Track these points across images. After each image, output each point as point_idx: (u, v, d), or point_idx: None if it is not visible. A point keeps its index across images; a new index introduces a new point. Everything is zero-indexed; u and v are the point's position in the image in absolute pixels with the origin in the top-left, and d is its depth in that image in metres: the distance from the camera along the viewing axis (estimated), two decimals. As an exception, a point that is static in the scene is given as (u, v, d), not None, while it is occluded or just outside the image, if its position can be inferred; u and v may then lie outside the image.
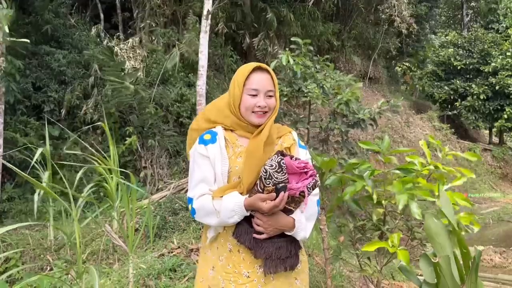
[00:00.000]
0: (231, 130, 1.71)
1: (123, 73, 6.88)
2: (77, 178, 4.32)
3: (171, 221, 4.95)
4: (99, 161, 4.11)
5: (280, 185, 1.50)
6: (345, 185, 2.48)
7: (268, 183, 1.50)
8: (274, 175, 1.49)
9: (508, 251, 8.14)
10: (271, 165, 1.50)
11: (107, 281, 3.30)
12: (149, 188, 6.66)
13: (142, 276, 3.47)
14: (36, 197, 4.09)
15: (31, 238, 4.66)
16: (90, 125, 6.49)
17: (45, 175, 4.41)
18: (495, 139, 19.15)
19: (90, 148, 4.16)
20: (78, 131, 6.71)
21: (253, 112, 1.65)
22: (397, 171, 2.33)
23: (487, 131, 19.22)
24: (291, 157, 1.58)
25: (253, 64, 1.68)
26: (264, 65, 1.69)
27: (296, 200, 1.55)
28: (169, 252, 4.15)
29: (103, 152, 4.87)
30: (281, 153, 1.57)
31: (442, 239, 1.74)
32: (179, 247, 4.27)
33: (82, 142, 4.90)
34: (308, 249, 4.69)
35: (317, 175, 1.60)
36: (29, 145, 4.92)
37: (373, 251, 2.21)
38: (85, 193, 4.12)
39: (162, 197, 5.68)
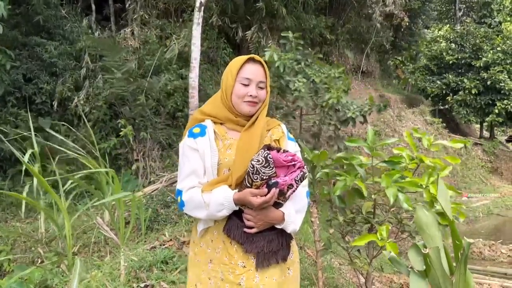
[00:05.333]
0: (221, 124, 1.72)
1: (126, 59, 6.82)
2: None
3: (163, 214, 4.95)
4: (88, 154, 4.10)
5: (272, 181, 1.50)
6: (334, 178, 2.49)
7: (255, 178, 1.50)
8: (261, 170, 1.49)
9: (497, 244, 8.26)
10: (258, 160, 1.50)
11: (99, 273, 3.29)
12: (141, 181, 6.64)
13: (134, 268, 3.48)
14: (26, 189, 4.06)
15: (22, 230, 4.64)
16: (81, 117, 6.44)
17: (35, 168, 4.38)
18: (486, 134, 19.33)
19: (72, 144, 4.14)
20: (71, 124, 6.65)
21: (244, 101, 1.67)
22: (384, 164, 2.33)
23: (478, 126, 19.37)
24: (279, 150, 1.59)
25: (247, 55, 1.71)
26: (257, 57, 1.71)
27: (284, 193, 1.55)
28: (161, 245, 4.15)
29: (94, 145, 4.85)
30: (268, 147, 1.57)
31: (432, 230, 1.75)
32: (171, 239, 4.28)
33: (67, 141, 4.86)
34: (299, 241, 4.72)
35: (306, 166, 1.60)
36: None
37: (363, 244, 2.23)
38: (67, 186, 4.10)
39: (154, 190, 5.67)
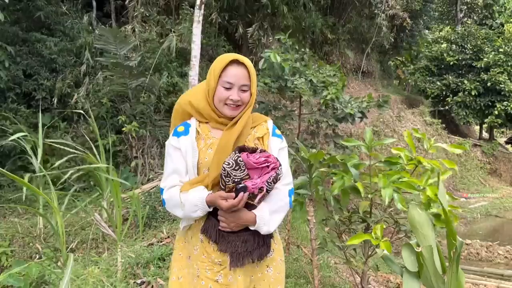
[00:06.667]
0: (206, 122, 1.73)
1: (126, 57, 6.82)
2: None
3: (161, 211, 4.97)
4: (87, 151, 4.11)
5: (240, 185, 1.50)
6: (328, 177, 2.50)
7: (228, 181, 1.51)
8: (232, 173, 1.49)
9: (494, 245, 8.28)
10: (228, 163, 1.51)
11: (95, 269, 3.31)
12: (140, 178, 6.65)
13: (131, 264, 3.49)
14: (24, 191, 4.08)
15: (20, 226, 4.65)
16: (81, 114, 6.44)
17: (36, 164, 4.40)
18: (485, 135, 19.33)
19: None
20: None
21: (225, 104, 1.66)
22: (382, 164, 2.34)
23: (478, 127, 19.38)
24: (254, 150, 1.57)
25: (231, 56, 1.66)
26: (241, 58, 1.66)
27: (257, 195, 1.55)
28: (158, 242, 4.17)
29: (93, 141, 4.85)
30: (240, 149, 1.57)
31: (425, 229, 1.76)
32: (168, 236, 4.29)
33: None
34: (296, 240, 4.73)
35: (280, 167, 1.57)
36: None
37: (358, 243, 2.24)
38: (66, 177, 4.11)
39: (153, 187, 5.69)
